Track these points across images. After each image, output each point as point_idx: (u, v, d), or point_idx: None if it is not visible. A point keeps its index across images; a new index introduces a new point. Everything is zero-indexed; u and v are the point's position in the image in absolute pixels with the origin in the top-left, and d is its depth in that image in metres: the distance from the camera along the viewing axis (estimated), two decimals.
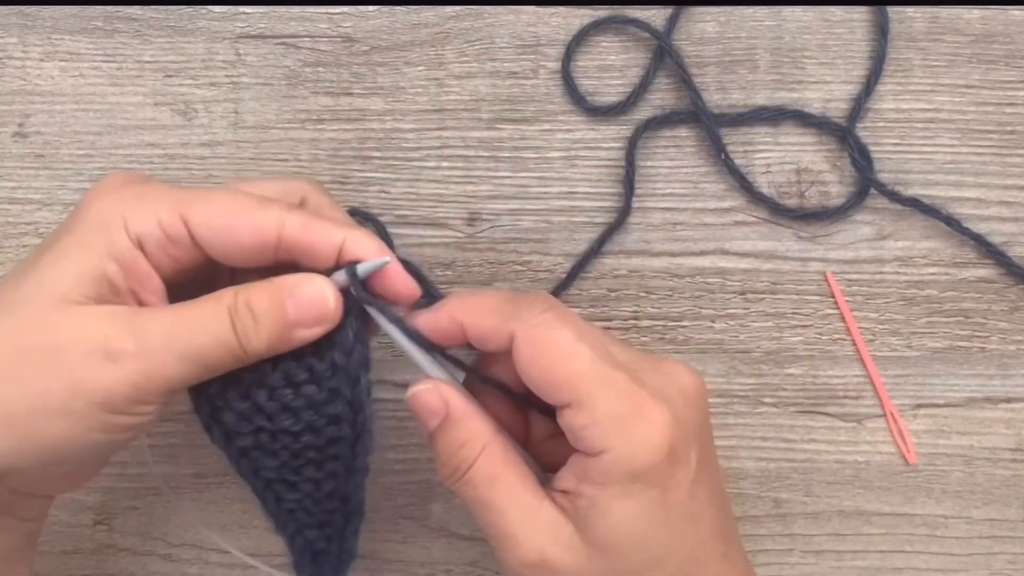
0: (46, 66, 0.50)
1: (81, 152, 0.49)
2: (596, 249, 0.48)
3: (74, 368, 0.33)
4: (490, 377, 0.38)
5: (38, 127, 0.49)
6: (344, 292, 0.36)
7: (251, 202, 0.36)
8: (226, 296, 0.35)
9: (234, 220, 0.35)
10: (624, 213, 0.48)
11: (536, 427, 0.40)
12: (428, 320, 0.37)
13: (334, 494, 0.39)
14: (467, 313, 0.36)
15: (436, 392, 0.36)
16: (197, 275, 0.37)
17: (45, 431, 0.33)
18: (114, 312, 0.34)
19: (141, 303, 0.35)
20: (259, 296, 0.35)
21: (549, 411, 0.36)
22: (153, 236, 0.35)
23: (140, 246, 0.35)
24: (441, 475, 0.37)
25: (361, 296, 0.36)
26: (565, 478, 0.35)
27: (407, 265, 0.44)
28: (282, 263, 0.37)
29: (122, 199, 0.35)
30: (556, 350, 0.35)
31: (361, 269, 0.36)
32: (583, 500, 0.34)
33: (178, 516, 0.48)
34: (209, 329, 0.34)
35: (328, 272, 0.36)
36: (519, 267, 0.49)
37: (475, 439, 0.36)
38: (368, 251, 0.36)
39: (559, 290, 0.48)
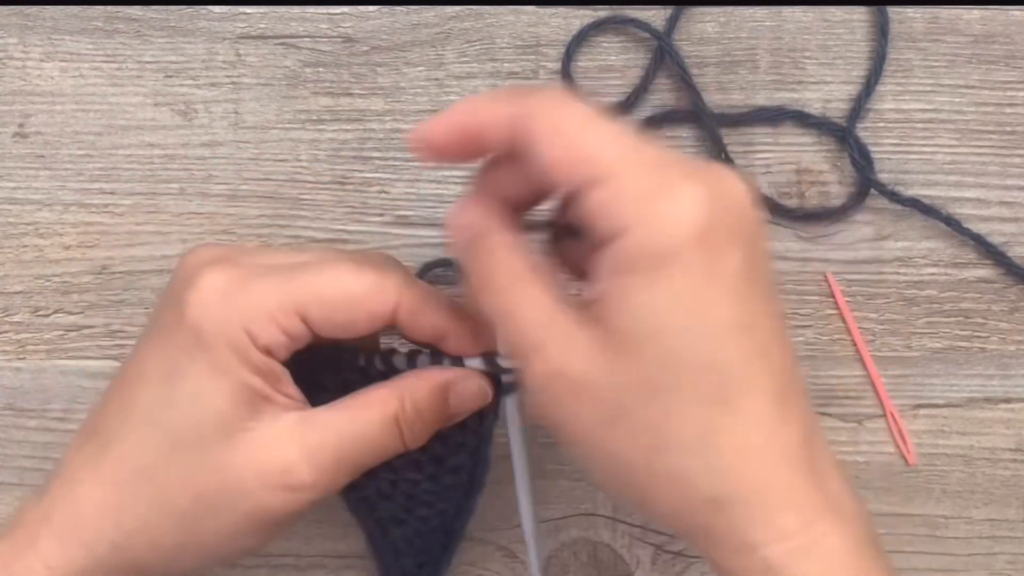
0: (46, 66, 0.50)
1: (81, 152, 0.49)
2: None
3: (258, 502, 0.34)
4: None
5: (38, 127, 0.49)
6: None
7: (367, 288, 0.35)
8: (392, 404, 0.35)
9: (354, 312, 0.35)
10: None
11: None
12: (431, 127, 0.33)
13: (439, 530, 0.40)
14: (467, 109, 0.33)
15: (469, 210, 0.34)
16: None
17: (234, 551, 0.36)
18: (284, 435, 0.34)
19: (284, 394, 0.35)
20: (425, 397, 0.36)
21: (576, 231, 0.33)
22: (279, 343, 0.35)
23: (269, 353, 0.35)
24: (471, 294, 0.34)
25: (509, 386, 0.37)
26: (591, 285, 0.31)
27: None
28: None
29: (239, 311, 0.34)
30: (572, 129, 0.30)
31: (504, 363, 0.37)
32: (607, 298, 0.30)
33: None
34: (379, 443, 0.35)
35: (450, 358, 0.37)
36: None
37: (497, 251, 0.33)
38: (476, 341, 0.37)
39: None
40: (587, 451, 0.32)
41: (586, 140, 0.30)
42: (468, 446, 0.38)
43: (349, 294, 0.35)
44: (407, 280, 0.36)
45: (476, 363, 0.37)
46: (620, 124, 0.31)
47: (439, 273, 0.48)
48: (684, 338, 0.29)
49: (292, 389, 0.36)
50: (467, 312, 0.37)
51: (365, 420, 0.35)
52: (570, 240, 0.36)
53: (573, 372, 0.30)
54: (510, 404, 0.38)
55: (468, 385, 0.37)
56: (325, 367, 0.37)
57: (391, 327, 0.37)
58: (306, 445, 0.34)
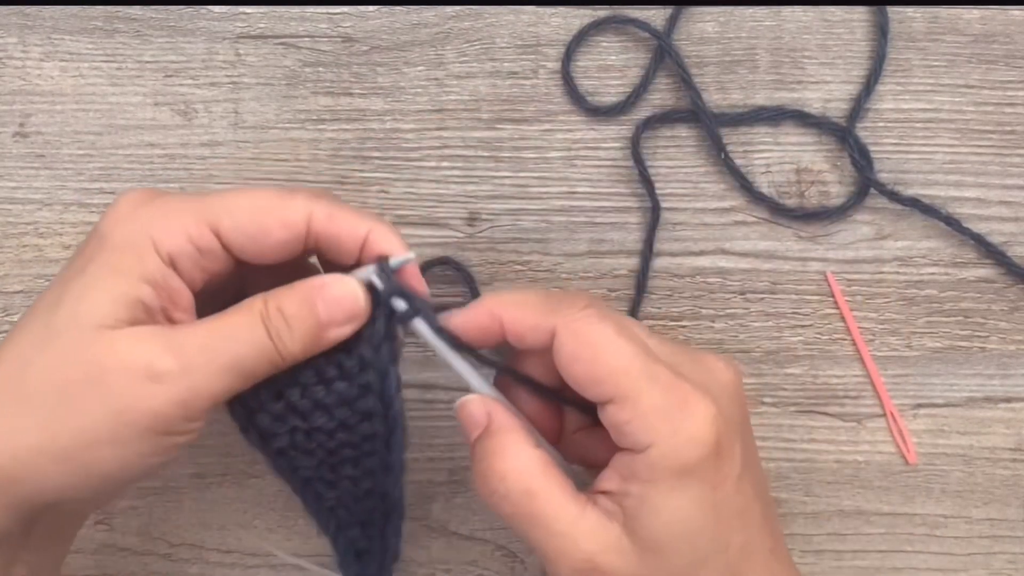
0: (46, 66, 0.50)
1: (81, 152, 0.49)
2: (649, 251, 0.48)
3: (120, 395, 0.33)
4: (522, 374, 0.38)
5: (38, 127, 0.49)
6: (370, 289, 0.36)
7: (276, 198, 0.36)
8: (256, 304, 0.35)
9: (264, 220, 0.35)
10: (655, 210, 0.48)
11: (569, 420, 0.40)
12: (465, 316, 0.37)
13: (372, 492, 0.39)
14: (507, 309, 0.36)
15: (481, 403, 0.37)
16: (221, 283, 0.37)
17: (98, 461, 0.33)
18: (152, 333, 0.34)
19: (172, 321, 0.35)
20: (289, 300, 0.35)
21: (583, 407, 0.36)
22: (185, 252, 0.35)
23: (172, 264, 0.35)
24: (478, 488, 0.36)
25: (394, 291, 0.36)
26: (608, 479, 0.35)
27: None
28: (299, 263, 0.37)
29: (147, 218, 0.35)
30: (598, 346, 0.34)
31: (393, 263, 0.36)
32: (631, 499, 0.34)
33: (179, 515, 0.48)
34: (245, 339, 0.34)
35: (349, 270, 0.36)
36: (519, 267, 0.49)
37: (511, 451, 0.36)
38: (392, 245, 0.37)
39: (636, 304, 0.48)
40: None
41: (609, 360, 0.34)
42: (373, 387, 0.36)
43: (258, 203, 0.35)
44: (321, 193, 0.37)
45: (370, 271, 0.36)
46: (638, 340, 0.35)
47: (437, 273, 0.48)
48: (702, 533, 0.34)
49: (186, 317, 0.35)
50: (385, 221, 0.37)
51: (231, 317, 0.35)
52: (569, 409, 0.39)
53: (607, 566, 0.34)
54: (422, 327, 0.37)
55: (336, 288, 0.36)
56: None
57: (314, 248, 0.36)
58: (171, 340, 0.34)
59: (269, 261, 0.36)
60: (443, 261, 0.48)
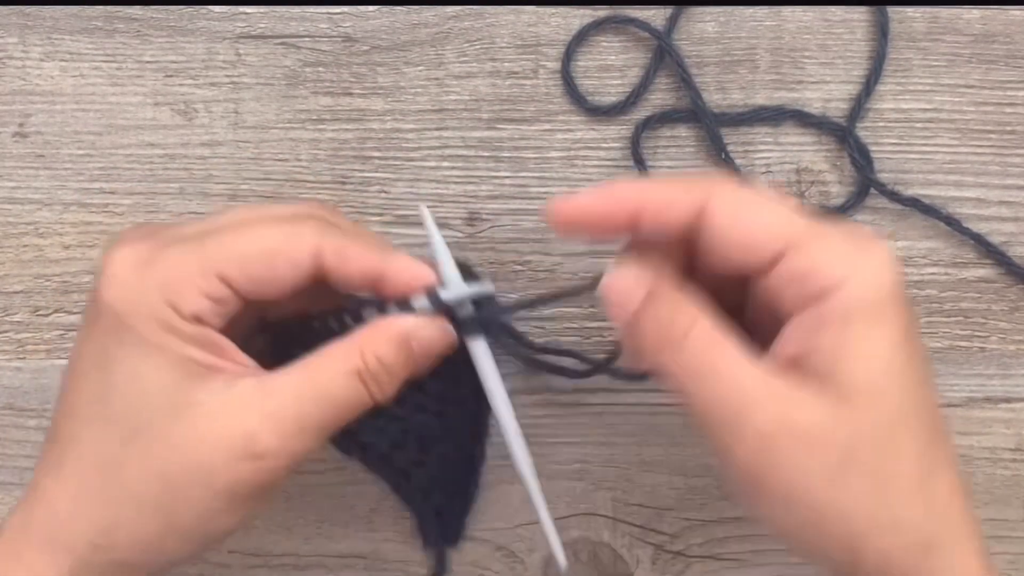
0: (46, 66, 0.50)
1: (81, 152, 0.49)
2: None
3: (227, 474, 0.33)
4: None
5: (38, 127, 0.49)
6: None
7: (282, 237, 0.35)
8: (352, 358, 0.35)
9: (272, 263, 0.35)
10: None
11: None
12: (590, 201, 0.34)
13: (460, 461, 0.40)
14: (642, 190, 0.33)
15: (635, 273, 0.34)
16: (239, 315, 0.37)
17: (216, 530, 0.35)
18: (240, 402, 0.33)
19: (235, 362, 0.35)
20: (387, 348, 0.35)
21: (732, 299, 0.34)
22: (206, 309, 0.34)
23: (199, 321, 0.34)
24: (649, 359, 0.33)
25: (482, 322, 0.37)
26: (789, 343, 0.32)
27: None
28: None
29: (155, 286, 0.34)
30: (755, 206, 0.32)
31: (446, 296, 0.37)
32: (822, 353, 0.31)
33: None
34: (344, 400, 0.34)
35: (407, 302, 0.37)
36: (519, 267, 0.49)
37: (686, 308, 0.33)
38: (414, 277, 0.36)
39: None
40: (804, 503, 0.31)
41: (769, 216, 0.32)
42: (464, 378, 0.37)
43: (264, 246, 0.35)
44: (327, 224, 0.36)
45: (423, 303, 0.36)
46: (788, 200, 0.33)
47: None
48: (901, 383, 0.31)
49: (241, 357, 0.35)
50: (394, 249, 0.37)
51: (325, 377, 0.34)
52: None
53: (799, 424, 0.31)
54: (478, 348, 0.37)
55: (429, 331, 0.36)
56: (297, 341, 0.37)
57: (323, 278, 0.36)
58: (265, 410, 0.33)
59: (280, 297, 0.36)
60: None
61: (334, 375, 0.34)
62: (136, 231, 0.36)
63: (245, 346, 0.36)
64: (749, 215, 0.32)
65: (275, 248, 0.35)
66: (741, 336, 0.33)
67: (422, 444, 0.39)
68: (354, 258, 0.36)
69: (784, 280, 0.32)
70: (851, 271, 0.31)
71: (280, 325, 0.38)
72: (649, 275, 0.34)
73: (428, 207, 0.43)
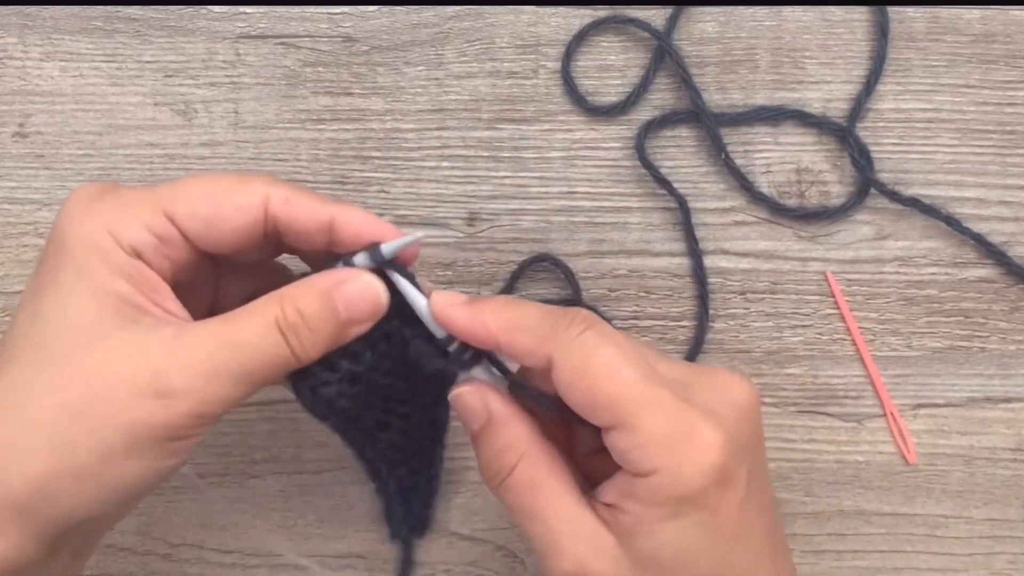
0: (46, 66, 0.50)
1: (81, 152, 0.49)
2: (695, 246, 0.48)
3: (129, 411, 0.32)
4: (531, 389, 0.36)
5: (38, 127, 0.49)
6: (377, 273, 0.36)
7: (231, 181, 0.35)
8: (271, 309, 0.34)
9: (218, 204, 0.34)
10: (685, 210, 0.48)
11: (580, 440, 0.39)
12: (462, 321, 0.35)
13: (421, 423, 0.40)
14: (503, 330, 0.35)
15: (479, 395, 0.36)
16: (194, 283, 0.37)
17: (116, 475, 0.32)
18: (152, 342, 0.33)
19: (164, 310, 0.34)
20: (308, 300, 0.34)
21: (593, 426, 0.35)
22: (146, 242, 0.34)
23: (137, 255, 0.34)
24: (484, 479, 0.36)
25: (402, 283, 0.36)
26: (610, 491, 0.34)
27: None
28: (271, 266, 0.37)
29: (102, 213, 0.34)
30: (597, 373, 0.33)
31: (385, 249, 0.36)
32: (628, 516, 0.33)
33: (179, 515, 0.48)
34: (260, 348, 0.33)
35: (343, 259, 0.36)
36: (519, 267, 0.48)
37: (516, 445, 0.35)
38: (363, 225, 0.36)
39: (703, 304, 0.48)
40: None
41: (607, 387, 0.33)
42: (413, 338, 0.37)
43: (212, 188, 0.35)
44: (276, 180, 0.36)
45: (361, 257, 0.36)
46: (641, 363, 0.33)
47: (536, 269, 0.48)
48: (700, 558, 0.33)
49: (174, 306, 0.34)
50: (348, 203, 0.37)
51: (242, 325, 0.33)
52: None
53: (595, 572, 0.33)
54: (399, 279, 0.36)
55: (354, 286, 0.35)
56: None
57: (274, 231, 0.36)
58: (177, 351, 0.32)
59: (229, 249, 0.35)
60: (541, 258, 0.48)
61: (251, 323, 0.33)
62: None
63: (208, 311, 0.36)
64: (584, 386, 0.33)
65: (222, 190, 0.35)
66: (572, 473, 0.35)
67: (387, 404, 0.39)
68: (302, 205, 0.35)
69: (618, 451, 0.33)
70: (664, 464, 0.32)
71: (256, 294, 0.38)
72: (491, 398, 0.36)
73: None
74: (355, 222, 0.36)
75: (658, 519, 0.33)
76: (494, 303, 0.36)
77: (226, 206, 0.35)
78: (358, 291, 0.35)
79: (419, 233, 0.36)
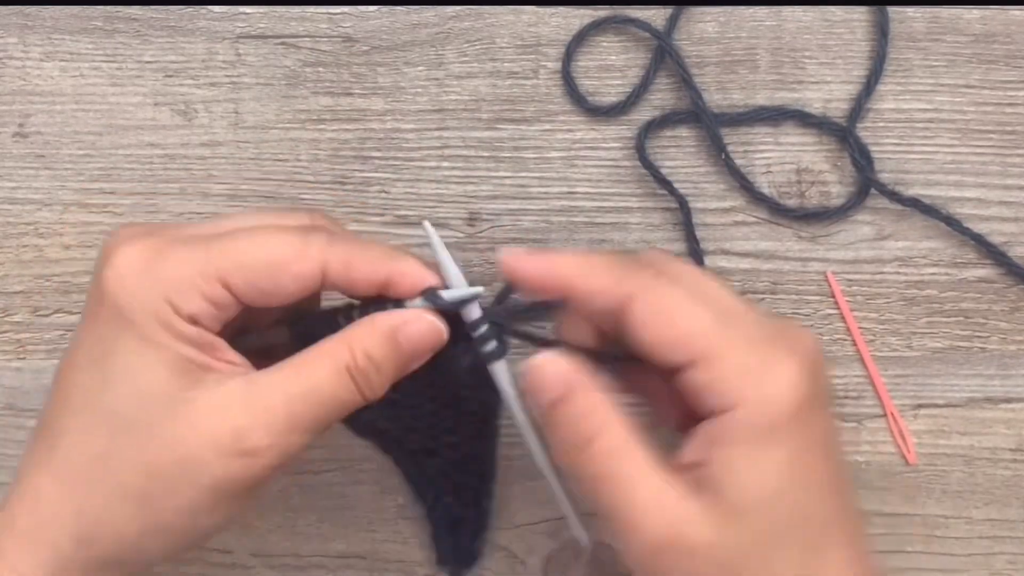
0: (46, 66, 0.50)
1: (81, 152, 0.49)
2: (696, 247, 0.48)
3: (214, 472, 0.33)
4: (601, 350, 0.36)
5: (38, 127, 0.49)
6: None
7: (289, 248, 0.35)
8: (341, 354, 0.34)
9: (277, 275, 0.35)
10: (685, 210, 0.48)
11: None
12: (534, 269, 0.35)
13: (469, 456, 0.40)
14: (577, 272, 0.35)
15: (559, 364, 0.35)
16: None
17: (200, 529, 0.34)
18: (229, 399, 0.33)
19: (227, 362, 0.35)
20: (375, 344, 0.35)
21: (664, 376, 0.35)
22: (204, 311, 0.34)
23: (195, 323, 0.34)
24: (559, 452, 0.35)
25: (480, 330, 0.37)
26: (691, 450, 0.33)
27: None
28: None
29: (156, 282, 0.34)
30: (675, 309, 0.33)
31: (448, 296, 0.36)
32: (715, 466, 0.32)
33: None
34: (335, 396, 0.34)
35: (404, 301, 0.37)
36: None
37: (597, 411, 0.34)
38: (418, 282, 0.36)
39: None
40: None
41: (686, 323, 0.33)
42: (465, 372, 0.37)
43: (270, 258, 0.35)
44: (332, 236, 0.36)
45: (418, 302, 0.36)
46: (717, 302, 0.33)
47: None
48: (787, 500, 0.32)
49: (234, 356, 0.35)
50: (402, 254, 0.37)
51: (314, 375, 0.34)
52: (631, 367, 0.37)
53: (687, 538, 0.32)
54: (499, 370, 0.37)
55: (417, 325, 0.36)
56: (319, 334, 0.37)
57: (330, 287, 0.36)
58: (254, 406, 0.33)
59: (278, 306, 0.36)
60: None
61: (323, 372, 0.34)
62: (139, 227, 0.36)
63: (234, 343, 0.36)
64: (662, 322, 0.33)
65: (281, 260, 0.35)
66: (650, 441, 0.34)
67: (432, 430, 0.39)
68: (360, 268, 0.36)
69: (695, 388, 0.33)
70: (747, 393, 0.32)
71: (300, 318, 0.38)
72: (569, 370, 0.35)
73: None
74: (410, 281, 0.36)
75: (746, 456, 0.32)
76: (563, 252, 0.36)
77: (284, 276, 0.35)
78: (423, 331, 0.36)
79: (477, 289, 0.37)
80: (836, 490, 0.34)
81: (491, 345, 0.37)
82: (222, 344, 0.35)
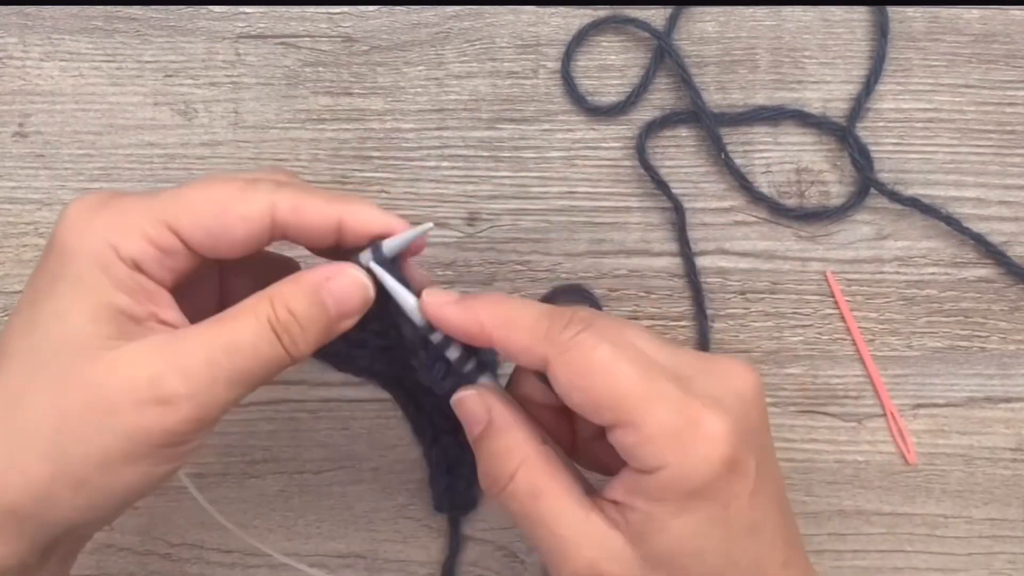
0: (46, 66, 0.50)
1: (81, 152, 0.49)
2: (688, 251, 0.48)
3: (128, 419, 0.32)
4: (526, 386, 0.36)
5: (38, 127, 0.49)
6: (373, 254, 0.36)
7: (235, 191, 0.35)
8: (262, 308, 0.34)
9: (223, 215, 0.34)
10: (679, 209, 0.48)
11: (583, 427, 0.38)
12: (455, 317, 0.35)
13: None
14: (497, 327, 0.34)
15: (479, 399, 0.35)
16: (198, 273, 0.37)
17: (113, 482, 0.32)
18: (151, 350, 0.33)
19: (161, 322, 0.34)
20: (297, 299, 0.34)
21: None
22: (147, 254, 0.34)
23: (137, 268, 0.34)
24: (483, 486, 0.35)
25: (392, 285, 0.35)
26: (616, 489, 0.34)
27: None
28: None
29: (102, 225, 0.34)
30: (595, 372, 0.33)
31: (386, 247, 0.35)
32: (636, 514, 0.33)
33: (180, 515, 0.48)
34: (256, 349, 0.33)
35: (349, 255, 0.36)
36: (519, 267, 0.49)
37: (516, 449, 0.34)
38: (370, 222, 0.35)
39: (699, 305, 0.48)
40: None
41: (607, 386, 0.32)
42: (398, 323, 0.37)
43: (216, 198, 0.34)
44: (282, 184, 0.35)
45: (366, 256, 0.36)
46: (640, 358, 0.33)
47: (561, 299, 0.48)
48: (709, 553, 0.33)
49: (173, 315, 0.34)
50: (354, 196, 0.36)
51: (236, 328, 0.33)
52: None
53: (611, 574, 0.33)
54: (386, 278, 0.36)
55: (341, 281, 0.35)
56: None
57: (282, 235, 0.35)
58: (174, 356, 0.32)
59: (235, 255, 0.35)
60: (573, 290, 0.48)
61: (244, 325, 0.33)
62: (99, 190, 0.36)
63: (217, 306, 0.35)
64: (583, 385, 0.33)
65: (226, 201, 0.34)
66: (575, 475, 0.35)
67: (414, 369, 0.38)
68: (309, 212, 0.35)
69: (622, 449, 0.33)
70: (671, 459, 0.32)
71: None
72: (492, 402, 0.35)
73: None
74: (363, 220, 0.35)
75: (667, 515, 0.32)
76: (488, 300, 0.35)
77: (230, 217, 0.34)
78: (345, 286, 0.35)
79: (424, 226, 0.36)
80: (763, 531, 0.34)
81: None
82: (164, 299, 0.34)
